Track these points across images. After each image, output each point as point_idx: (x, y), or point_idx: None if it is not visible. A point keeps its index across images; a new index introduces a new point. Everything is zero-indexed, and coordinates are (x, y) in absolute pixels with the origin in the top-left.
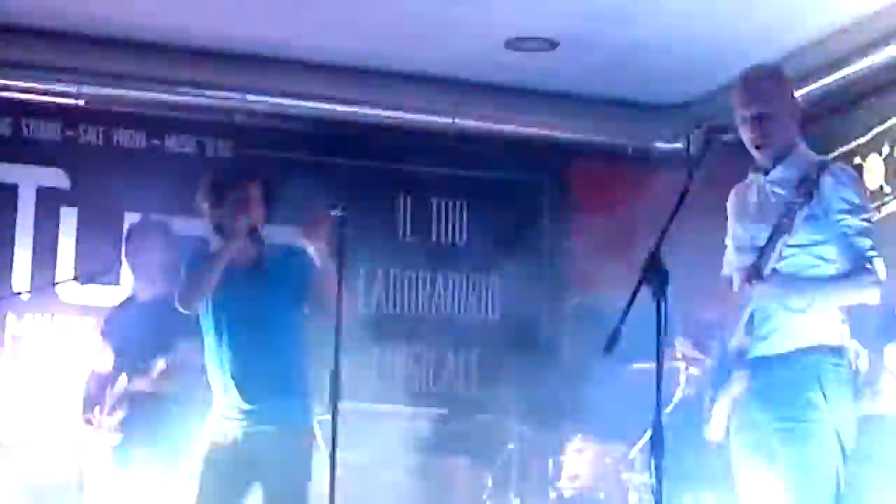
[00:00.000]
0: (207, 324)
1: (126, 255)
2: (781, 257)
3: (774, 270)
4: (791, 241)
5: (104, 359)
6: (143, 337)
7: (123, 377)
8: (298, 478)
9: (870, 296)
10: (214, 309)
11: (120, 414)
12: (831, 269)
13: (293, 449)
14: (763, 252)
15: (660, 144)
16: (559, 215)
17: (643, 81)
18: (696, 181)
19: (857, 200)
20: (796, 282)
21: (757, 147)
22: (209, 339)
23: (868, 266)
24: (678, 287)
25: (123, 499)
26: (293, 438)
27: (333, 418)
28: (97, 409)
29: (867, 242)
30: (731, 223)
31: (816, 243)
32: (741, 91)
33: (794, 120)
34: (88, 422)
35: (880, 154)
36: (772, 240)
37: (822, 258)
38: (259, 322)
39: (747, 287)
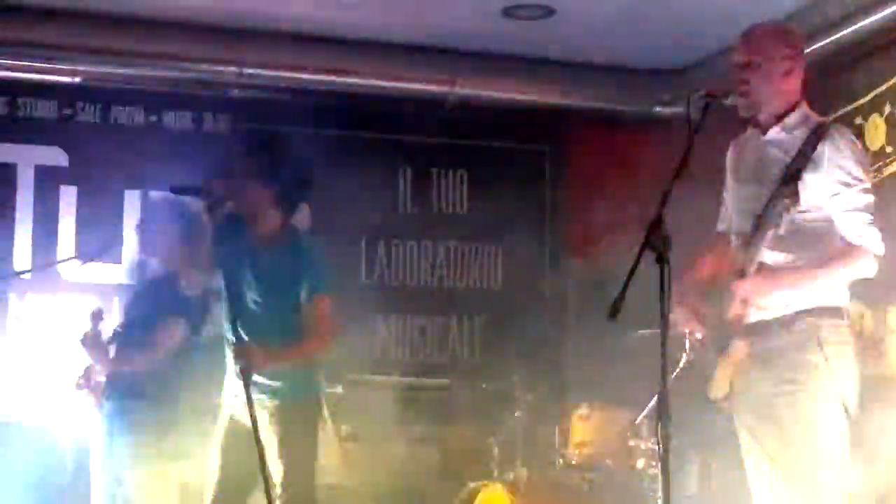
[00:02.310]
0: (222, 297)
1: (140, 232)
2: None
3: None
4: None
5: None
6: (150, 312)
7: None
8: (305, 452)
9: (864, 272)
10: (227, 282)
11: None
12: (828, 232)
13: (299, 424)
14: (751, 245)
15: (659, 109)
16: (560, 182)
17: (642, 47)
18: (697, 145)
19: (854, 171)
20: (785, 276)
21: (740, 95)
22: (224, 312)
23: (861, 244)
24: (681, 252)
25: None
26: (297, 413)
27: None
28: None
29: (862, 217)
30: (728, 179)
31: (812, 208)
32: (739, 40)
33: (794, 79)
34: (80, 386)
35: (881, 114)
36: (759, 235)
37: (818, 221)
38: (265, 295)
39: (735, 287)
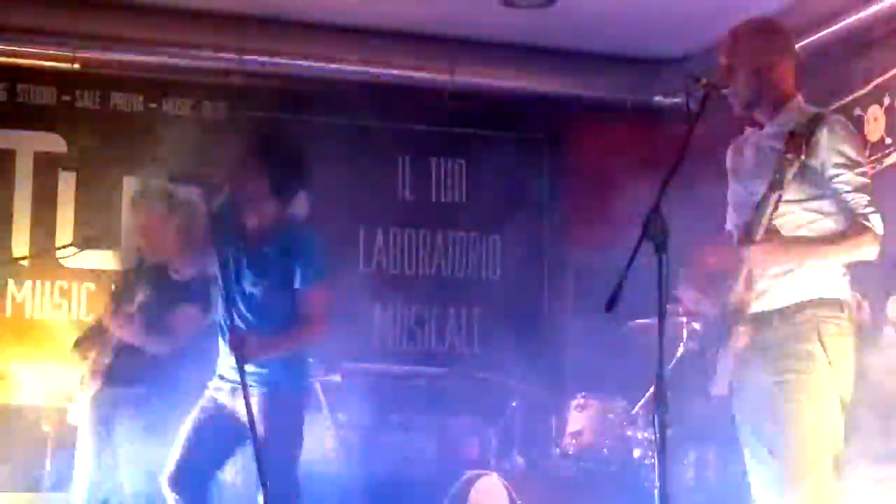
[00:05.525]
0: (216, 283)
1: (127, 221)
2: (777, 213)
3: (772, 230)
4: (788, 197)
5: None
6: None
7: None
8: (290, 441)
9: (867, 253)
10: (222, 269)
11: (106, 360)
12: (829, 223)
13: (285, 412)
14: (756, 212)
15: (659, 99)
16: (558, 172)
17: (641, 36)
18: (696, 135)
19: (853, 155)
20: (791, 245)
21: (730, 95)
22: (219, 299)
23: (865, 223)
24: (680, 241)
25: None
26: (284, 402)
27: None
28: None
29: (864, 199)
30: (730, 180)
31: (813, 198)
32: (721, 41)
33: (782, 73)
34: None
35: (881, 105)
36: (765, 198)
37: (819, 212)
38: (260, 284)
39: (742, 250)
